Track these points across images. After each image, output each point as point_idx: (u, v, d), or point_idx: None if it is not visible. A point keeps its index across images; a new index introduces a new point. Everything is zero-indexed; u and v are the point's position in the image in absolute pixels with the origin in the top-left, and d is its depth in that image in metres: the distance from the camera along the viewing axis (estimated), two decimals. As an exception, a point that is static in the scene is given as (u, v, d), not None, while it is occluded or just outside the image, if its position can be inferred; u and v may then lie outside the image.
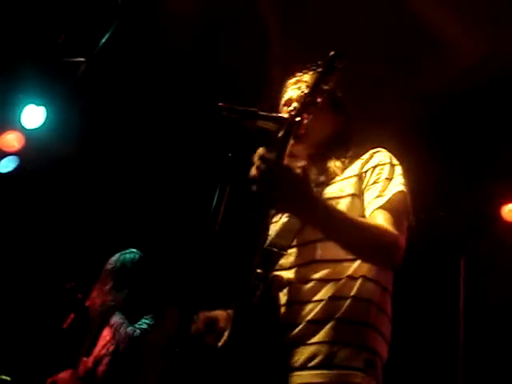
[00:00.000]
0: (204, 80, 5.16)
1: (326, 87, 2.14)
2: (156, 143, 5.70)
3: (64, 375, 3.94)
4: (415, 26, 4.51)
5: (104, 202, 5.95)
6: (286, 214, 2.40)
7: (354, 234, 2.13)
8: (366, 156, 2.45)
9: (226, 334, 2.29)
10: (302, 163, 2.11)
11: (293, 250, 2.32)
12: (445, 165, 5.10)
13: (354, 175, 2.39)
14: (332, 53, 2.12)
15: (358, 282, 2.24)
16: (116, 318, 3.82)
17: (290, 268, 2.30)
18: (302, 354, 2.15)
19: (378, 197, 2.27)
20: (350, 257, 2.25)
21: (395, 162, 2.42)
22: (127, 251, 4.14)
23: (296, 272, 2.28)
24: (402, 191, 2.30)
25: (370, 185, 2.33)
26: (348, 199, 2.32)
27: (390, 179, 2.33)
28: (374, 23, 4.55)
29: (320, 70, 2.13)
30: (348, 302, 2.20)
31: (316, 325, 2.18)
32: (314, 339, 2.16)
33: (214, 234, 2.17)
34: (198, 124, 5.23)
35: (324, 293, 2.21)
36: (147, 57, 5.28)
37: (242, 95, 2.42)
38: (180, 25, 4.86)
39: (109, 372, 3.79)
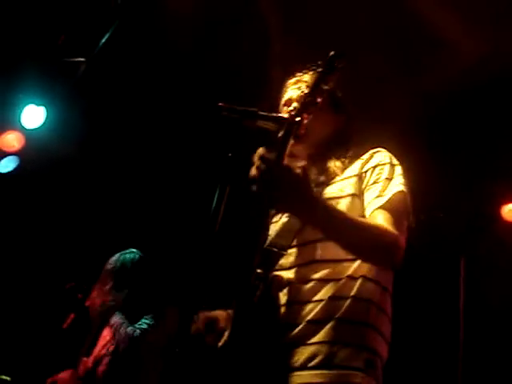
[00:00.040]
0: (204, 80, 5.16)
1: (326, 87, 2.14)
2: (156, 143, 5.70)
3: (64, 375, 3.94)
4: (415, 26, 4.51)
5: (104, 202, 5.95)
6: (286, 214, 2.40)
7: (353, 234, 2.12)
8: (366, 156, 2.45)
9: (226, 334, 2.29)
10: (302, 163, 2.11)
11: (293, 250, 2.32)
12: (444, 165, 5.10)
13: (354, 175, 2.39)
14: (332, 53, 2.12)
15: (358, 281, 2.23)
16: (116, 318, 3.82)
17: (290, 268, 2.30)
18: (302, 354, 2.15)
19: (377, 197, 2.27)
20: (349, 257, 2.25)
21: (395, 161, 2.42)
22: (127, 251, 4.14)
23: (296, 272, 2.28)
24: (402, 191, 2.30)
25: (370, 185, 2.33)
26: (348, 199, 2.31)
27: (390, 179, 2.33)
28: (375, 22, 4.55)
29: (320, 69, 2.13)
30: (348, 302, 2.20)
31: (316, 325, 2.18)
32: (314, 339, 2.16)
33: (214, 234, 2.17)
34: (198, 124, 5.23)
35: (324, 293, 2.21)
36: (147, 57, 5.28)
37: (241, 95, 2.42)
38: (180, 25, 4.86)
39: (109, 372, 3.79)
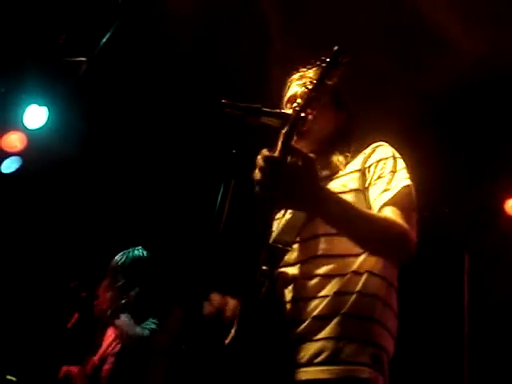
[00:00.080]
0: (204, 80, 5.16)
1: (329, 83, 2.13)
2: (159, 142, 5.70)
3: (75, 369, 3.95)
4: (415, 26, 4.51)
5: (107, 201, 5.96)
6: (289, 211, 2.40)
7: (364, 227, 2.11)
8: (367, 150, 2.45)
9: (233, 331, 2.29)
10: (311, 155, 2.09)
11: (297, 246, 2.31)
12: (447, 161, 5.10)
13: (357, 170, 2.39)
14: (336, 48, 2.11)
15: (364, 277, 2.23)
16: (122, 318, 3.83)
17: (294, 264, 2.29)
18: (308, 350, 2.14)
19: (384, 191, 2.26)
20: (354, 252, 2.24)
21: (397, 155, 2.41)
22: (134, 249, 4.14)
23: (301, 268, 2.27)
24: (408, 185, 2.29)
25: (375, 180, 2.32)
26: (351, 194, 2.31)
27: (394, 172, 2.32)
28: (377, 20, 4.55)
29: (324, 65, 2.12)
30: (353, 297, 2.20)
31: (322, 321, 2.17)
32: (320, 335, 2.15)
33: (218, 232, 2.17)
34: (201, 121, 5.23)
35: (329, 288, 2.21)
36: (148, 56, 5.28)
37: (242, 95, 2.42)
38: (180, 25, 4.86)
39: (114, 371, 3.80)
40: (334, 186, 2.36)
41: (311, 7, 4.63)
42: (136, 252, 4.12)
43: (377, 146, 2.45)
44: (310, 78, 2.50)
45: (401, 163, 2.38)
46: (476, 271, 5.31)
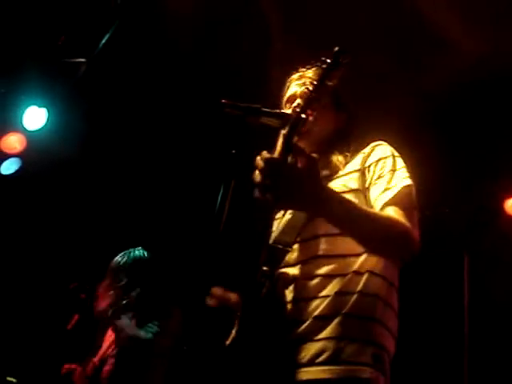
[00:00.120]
0: (204, 80, 5.16)
1: (330, 83, 2.13)
2: (159, 142, 5.70)
3: (77, 367, 3.95)
4: (416, 25, 4.51)
5: (107, 202, 5.96)
6: (289, 211, 2.40)
7: (366, 225, 2.11)
8: (367, 150, 2.44)
9: (234, 331, 2.29)
10: (313, 155, 2.09)
11: (297, 246, 2.31)
12: (448, 160, 5.10)
13: (357, 170, 2.39)
14: (337, 48, 2.11)
15: (364, 276, 2.23)
16: (122, 319, 3.82)
17: (295, 264, 2.29)
18: (310, 350, 2.14)
19: (385, 190, 2.26)
20: (355, 252, 2.24)
21: (396, 154, 2.41)
22: (135, 249, 4.14)
23: (301, 268, 2.27)
24: (409, 185, 2.29)
25: (375, 180, 2.32)
26: (352, 194, 2.30)
27: (393, 170, 2.32)
28: (377, 20, 4.55)
29: (324, 66, 2.12)
30: (354, 297, 2.19)
31: (323, 321, 2.17)
32: (321, 335, 2.15)
33: (218, 233, 2.16)
34: (200, 121, 5.23)
35: (330, 288, 2.20)
36: (148, 57, 5.28)
37: (242, 95, 2.41)
38: (180, 25, 4.86)
39: (115, 372, 3.79)
40: (334, 186, 2.36)
41: (311, 7, 4.63)
42: (137, 252, 4.11)
43: (376, 146, 2.45)
44: (310, 78, 2.51)
45: (400, 162, 2.38)
46: (476, 271, 5.31)
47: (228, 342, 2.27)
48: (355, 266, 2.24)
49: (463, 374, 5.04)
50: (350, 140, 2.53)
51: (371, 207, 2.27)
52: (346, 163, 2.45)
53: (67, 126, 5.43)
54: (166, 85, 5.39)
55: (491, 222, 5.42)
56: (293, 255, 2.30)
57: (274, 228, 2.42)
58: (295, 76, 2.63)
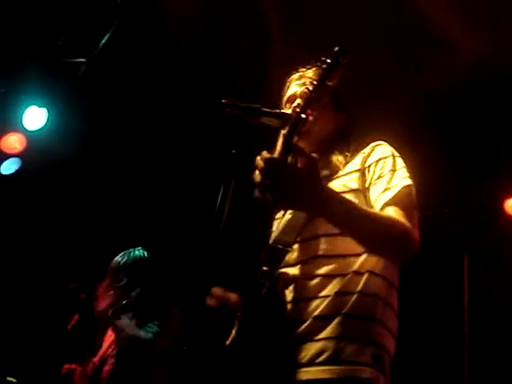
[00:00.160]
0: (204, 80, 5.16)
1: (330, 83, 2.12)
2: (159, 142, 5.69)
3: (77, 367, 3.94)
4: (416, 25, 4.51)
5: (107, 202, 5.96)
6: (289, 211, 2.40)
7: (366, 225, 2.11)
8: (366, 150, 2.44)
9: (234, 331, 2.29)
10: (314, 155, 2.09)
11: (297, 246, 2.31)
12: (448, 160, 5.10)
13: (356, 170, 2.39)
14: (337, 48, 2.10)
15: (364, 276, 2.23)
16: (122, 319, 3.82)
17: (295, 264, 2.29)
18: (310, 350, 2.14)
19: (385, 190, 2.26)
20: (355, 252, 2.24)
21: (396, 154, 2.41)
22: (135, 249, 4.14)
23: (301, 268, 2.27)
24: (409, 185, 2.29)
25: (375, 180, 2.32)
26: (352, 194, 2.30)
27: (393, 170, 2.32)
28: (377, 20, 4.55)
29: (324, 66, 2.11)
30: (354, 297, 2.19)
31: (323, 321, 2.17)
32: (321, 335, 2.15)
33: (218, 233, 2.16)
34: (200, 122, 5.23)
35: (330, 288, 2.20)
36: (148, 57, 5.28)
37: (242, 95, 2.41)
38: (180, 25, 4.86)
39: (115, 372, 3.79)
40: (334, 186, 2.36)
41: (311, 7, 4.62)
42: (137, 252, 4.11)
43: (376, 146, 2.45)
44: (310, 78, 2.51)
45: (400, 162, 2.38)
46: (476, 271, 5.31)
47: (228, 342, 2.27)
48: (355, 266, 2.24)
49: (463, 374, 5.04)
50: (349, 140, 2.53)
51: (371, 207, 2.26)
52: (346, 163, 2.45)
53: (67, 126, 5.43)
54: (166, 85, 5.39)
55: (491, 221, 5.42)
56: (293, 255, 2.30)
57: (274, 228, 2.42)
58: (295, 76, 2.63)
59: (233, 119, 2.28)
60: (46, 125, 5.38)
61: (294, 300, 2.23)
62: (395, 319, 2.31)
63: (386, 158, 2.37)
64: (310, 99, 2.09)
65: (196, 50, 5.12)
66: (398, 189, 2.26)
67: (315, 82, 2.10)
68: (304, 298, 2.22)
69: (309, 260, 2.27)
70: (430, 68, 4.77)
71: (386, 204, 2.22)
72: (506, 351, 5.29)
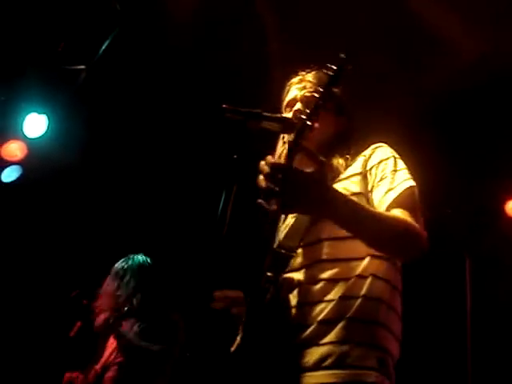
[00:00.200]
0: (204, 84, 5.16)
1: (335, 90, 2.13)
2: (160, 148, 5.69)
3: (79, 375, 3.93)
4: (416, 25, 4.51)
5: (108, 209, 5.95)
6: (292, 215, 2.39)
7: (374, 226, 2.11)
8: (367, 152, 2.44)
9: (238, 338, 2.29)
10: (321, 158, 2.09)
11: (301, 251, 2.31)
12: (448, 162, 5.09)
13: (358, 173, 2.38)
14: (342, 55, 2.10)
15: (368, 280, 2.22)
16: (126, 328, 3.82)
17: (299, 269, 2.29)
18: (315, 354, 2.14)
19: (388, 191, 2.27)
20: (358, 255, 2.24)
21: (397, 155, 2.42)
22: (135, 255, 4.14)
23: (305, 272, 2.27)
24: (412, 186, 2.29)
25: (378, 182, 2.32)
26: (354, 198, 2.30)
27: (395, 171, 2.32)
28: (377, 20, 4.55)
29: (331, 72, 2.11)
30: (359, 301, 2.19)
31: (327, 325, 2.17)
32: (326, 339, 2.15)
33: (220, 238, 2.16)
34: (202, 127, 5.23)
35: (334, 293, 2.20)
36: (148, 63, 5.28)
37: (242, 95, 2.41)
38: (180, 31, 4.87)
39: (118, 379, 3.78)
40: (336, 189, 2.36)
41: (311, 7, 4.62)
42: (138, 258, 4.11)
43: (376, 148, 2.45)
44: (310, 81, 2.52)
45: (401, 163, 2.38)
46: (477, 273, 5.31)
47: (233, 348, 2.27)
48: (359, 270, 2.23)
49: (467, 376, 5.03)
50: (350, 142, 2.53)
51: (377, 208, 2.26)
52: (347, 166, 2.45)
53: (68, 133, 5.43)
54: (166, 91, 5.39)
55: (492, 223, 5.42)
56: (297, 260, 2.30)
57: (278, 232, 2.42)
58: (295, 80, 2.63)
59: (234, 124, 2.28)
60: (46, 132, 5.38)
61: (299, 305, 2.23)
62: (399, 322, 2.31)
63: (387, 159, 2.37)
64: (317, 106, 2.08)
65: (196, 50, 5.12)
66: (402, 189, 2.26)
67: (321, 89, 2.09)
68: (308, 302, 2.22)
69: (313, 264, 2.27)
70: (429, 68, 4.77)
71: (391, 204, 2.22)
72: (508, 352, 5.29)
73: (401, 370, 2.32)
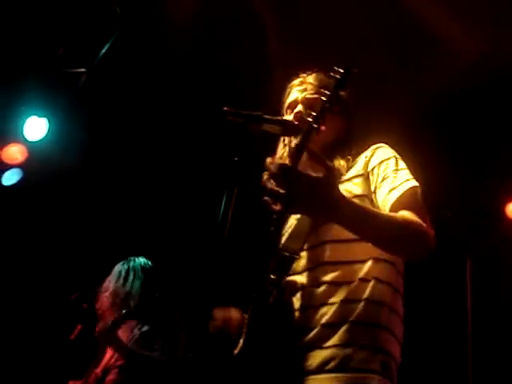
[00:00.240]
0: (205, 84, 5.16)
1: (342, 93, 2.13)
2: (161, 151, 5.69)
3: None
4: (416, 25, 4.51)
5: (108, 212, 5.95)
6: (295, 217, 2.39)
7: (381, 226, 2.10)
8: (368, 153, 2.45)
9: (241, 341, 2.29)
10: (329, 163, 2.08)
11: (304, 254, 2.31)
12: (448, 164, 5.09)
13: (359, 175, 2.39)
14: (350, 60, 2.10)
15: (371, 284, 2.23)
16: (129, 330, 3.81)
17: (302, 272, 2.29)
18: (318, 357, 2.15)
19: (391, 190, 2.27)
20: (360, 258, 2.25)
21: (398, 155, 2.42)
22: (136, 258, 4.14)
23: (308, 275, 2.27)
24: (416, 186, 2.29)
25: (380, 182, 2.32)
26: (357, 200, 2.30)
27: (397, 170, 2.33)
28: (377, 20, 4.55)
29: (338, 76, 2.10)
30: (361, 304, 2.20)
31: (330, 328, 2.17)
32: (329, 343, 2.15)
33: (222, 240, 2.16)
34: (202, 129, 5.23)
35: (337, 296, 2.21)
36: (148, 66, 5.28)
37: (242, 96, 2.41)
38: (180, 33, 4.87)
39: (118, 383, 3.77)
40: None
41: (311, 7, 4.62)
42: (140, 260, 4.12)
43: (377, 148, 2.45)
44: (311, 83, 2.51)
45: (402, 163, 2.39)
46: (478, 275, 5.30)
47: (236, 351, 2.27)
48: (361, 273, 2.24)
49: (468, 378, 5.02)
50: (351, 143, 2.53)
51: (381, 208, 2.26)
52: (349, 168, 2.45)
53: (68, 136, 5.43)
54: (167, 94, 5.39)
55: (493, 225, 5.41)
56: (300, 262, 2.30)
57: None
58: (296, 82, 2.63)
59: (235, 127, 2.27)
60: (46, 135, 5.37)
61: (302, 308, 2.23)
62: (401, 325, 2.31)
63: (388, 159, 2.38)
64: (324, 109, 2.08)
65: (196, 51, 5.12)
66: (405, 189, 2.26)
67: (328, 92, 2.09)
68: (311, 305, 2.22)
69: (316, 267, 2.27)
70: (430, 68, 4.77)
71: (394, 203, 2.23)
72: (509, 353, 5.28)
73: (402, 372, 2.32)
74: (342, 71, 2.10)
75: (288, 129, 2.35)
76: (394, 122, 4.64)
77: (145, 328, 3.87)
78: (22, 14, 4.86)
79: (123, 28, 4.76)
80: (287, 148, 2.43)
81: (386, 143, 2.49)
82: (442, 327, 5.52)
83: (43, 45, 5.02)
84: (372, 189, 2.34)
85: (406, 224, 2.14)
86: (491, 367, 5.22)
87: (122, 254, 4.29)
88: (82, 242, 5.88)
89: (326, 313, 2.19)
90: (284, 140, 2.49)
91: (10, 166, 5.47)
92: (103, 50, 4.78)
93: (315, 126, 2.06)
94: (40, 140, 5.38)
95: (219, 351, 2.35)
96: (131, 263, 4.10)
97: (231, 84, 4.83)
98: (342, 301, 2.20)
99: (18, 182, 5.51)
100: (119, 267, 4.10)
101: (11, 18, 4.85)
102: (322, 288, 2.23)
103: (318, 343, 2.16)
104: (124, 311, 3.81)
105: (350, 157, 2.48)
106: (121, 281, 4.01)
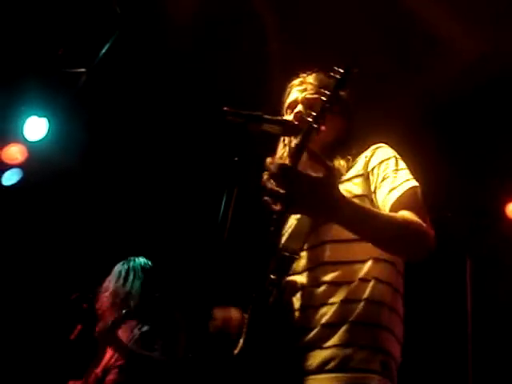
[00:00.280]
0: (205, 85, 5.16)
1: (342, 93, 2.13)
2: (160, 151, 5.69)
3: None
4: (416, 25, 4.51)
5: (108, 212, 5.95)
6: (295, 217, 2.39)
7: (381, 226, 2.10)
8: (368, 153, 2.45)
9: (241, 341, 2.29)
10: (329, 163, 2.09)
11: (304, 254, 2.31)
12: (448, 164, 5.09)
13: (360, 175, 2.39)
14: (350, 59, 2.10)
15: (371, 284, 2.23)
16: (129, 330, 3.81)
17: (302, 272, 2.29)
18: (318, 357, 2.15)
19: (391, 190, 2.27)
20: (360, 258, 2.25)
21: (398, 155, 2.42)
22: (135, 258, 4.14)
23: (308, 275, 2.28)
24: (416, 186, 2.29)
25: (380, 182, 2.32)
26: (357, 200, 2.30)
27: (397, 170, 2.33)
28: (377, 20, 4.55)
29: (338, 76, 2.10)
30: (361, 304, 2.20)
31: (330, 328, 2.18)
32: (329, 343, 2.16)
33: (222, 241, 2.16)
34: (202, 129, 5.23)
35: (337, 296, 2.21)
36: (148, 66, 5.28)
37: (242, 96, 2.41)
38: (180, 33, 4.87)
39: (118, 383, 3.77)
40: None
41: (311, 7, 4.62)
42: (140, 260, 4.12)
43: (376, 148, 2.45)
44: (311, 83, 2.52)
45: (402, 163, 2.39)
46: (478, 275, 5.30)
47: (236, 351, 2.27)
48: (361, 273, 2.24)
49: (467, 378, 5.02)
50: (351, 143, 2.53)
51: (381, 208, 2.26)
52: (349, 168, 2.45)
53: (68, 136, 5.43)
54: (167, 94, 5.39)
55: (493, 225, 5.41)
56: (300, 262, 2.30)
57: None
58: (296, 82, 2.63)
59: (235, 127, 2.27)
60: (46, 135, 5.37)
61: (302, 308, 2.23)
62: (401, 325, 2.31)
63: (388, 159, 2.38)
64: (324, 109, 2.08)
65: (196, 51, 5.12)
66: (405, 189, 2.26)
67: (328, 92, 2.09)
68: (311, 305, 2.23)
69: (316, 267, 2.27)
70: (430, 68, 4.77)
71: (394, 203, 2.23)
72: (509, 353, 5.28)
73: (402, 372, 2.32)
74: (341, 71, 2.10)
75: (288, 129, 2.34)
76: (394, 122, 4.63)
77: (145, 328, 3.87)
78: (22, 14, 4.86)
79: (123, 28, 4.76)
80: (287, 148, 2.43)
81: (386, 143, 2.49)
82: (442, 327, 5.51)
83: (43, 45, 5.02)
84: (372, 189, 2.34)
85: (406, 224, 2.14)
86: (491, 367, 5.22)
87: (122, 253, 4.29)
88: (82, 242, 5.88)
89: (326, 313, 2.19)
90: (284, 140, 2.49)
91: (10, 166, 5.47)
92: (103, 50, 4.78)
93: (315, 126, 2.06)
94: (40, 140, 5.38)
95: (219, 351, 2.34)
96: (131, 263, 4.11)
97: (231, 84, 4.83)
98: (341, 301, 2.20)
99: (18, 182, 5.52)
100: (119, 267, 4.10)
101: (11, 18, 4.85)
102: (322, 288, 2.23)
103: (317, 343, 2.16)
104: (124, 311, 3.81)
105: (349, 157, 2.48)
106: (121, 281, 4.01)
